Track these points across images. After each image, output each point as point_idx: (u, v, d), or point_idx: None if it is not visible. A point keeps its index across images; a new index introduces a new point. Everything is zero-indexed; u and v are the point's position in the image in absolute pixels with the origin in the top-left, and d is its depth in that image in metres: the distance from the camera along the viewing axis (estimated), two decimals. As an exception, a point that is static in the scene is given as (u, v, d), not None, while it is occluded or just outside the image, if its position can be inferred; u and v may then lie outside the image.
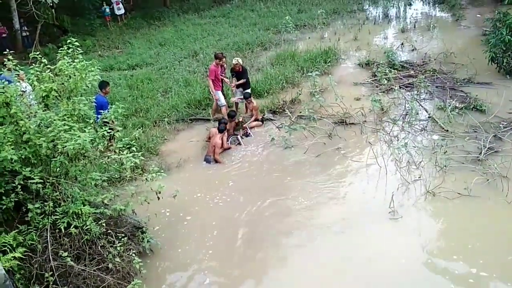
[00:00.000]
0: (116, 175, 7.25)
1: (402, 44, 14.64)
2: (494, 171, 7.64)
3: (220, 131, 9.20)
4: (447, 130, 9.16)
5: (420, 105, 10.45)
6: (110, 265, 5.61)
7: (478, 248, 6.31)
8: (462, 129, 9.23)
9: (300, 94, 11.26)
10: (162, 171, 6.66)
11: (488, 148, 8.32)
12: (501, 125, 9.01)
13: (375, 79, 11.91)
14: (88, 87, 6.46)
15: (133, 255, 5.80)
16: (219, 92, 10.37)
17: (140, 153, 6.29)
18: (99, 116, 6.59)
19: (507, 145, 8.40)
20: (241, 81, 10.51)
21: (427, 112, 10.16)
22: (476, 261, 6.09)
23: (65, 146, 5.30)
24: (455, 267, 6.06)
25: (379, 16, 18.82)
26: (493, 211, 7.01)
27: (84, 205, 5.61)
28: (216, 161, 9.02)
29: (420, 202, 7.30)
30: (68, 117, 5.82)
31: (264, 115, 10.50)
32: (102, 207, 5.91)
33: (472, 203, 7.11)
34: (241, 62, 10.60)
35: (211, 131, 9.44)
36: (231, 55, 13.66)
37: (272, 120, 10.51)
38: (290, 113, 10.26)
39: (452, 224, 6.93)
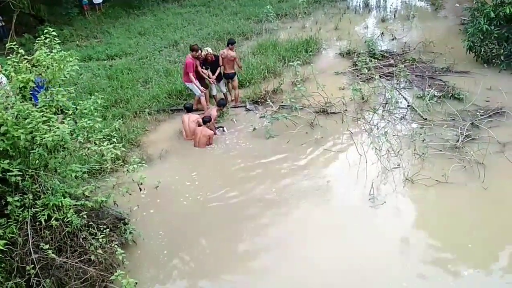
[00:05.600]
0: (96, 166, 7.18)
1: (382, 33, 14.77)
2: (471, 158, 7.83)
3: (205, 122, 9.24)
4: (426, 119, 9.33)
5: (400, 94, 10.60)
6: (93, 257, 5.58)
7: (456, 233, 6.49)
8: (440, 117, 9.40)
9: (282, 83, 11.28)
10: (143, 162, 6.63)
11: (465, 135, 8.51)
12: (478, 113, 9.20)
13: (356, 69, 12.01)
14: (67, 77, 6.35)
15: (116, 246, 5.78)
16: (194, 86, 10.23)
17: (121, 144, 6.24)
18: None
19: (484, 132, 8.59)
20: (218, 72, 10.46)
21: (406, 100, 10.32)
22: (454, 245, 6.28)
23: (44, 138, 5.22)
24: (434, 251, 6.23)
25: (359, 6, 18.89)
26: (469, 197, 7.20)
27: (64, 197, 5.56)
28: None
29: (399, 189, 7.44)
30: (46, 109, 5.73)
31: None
32: (83, 199, 5.85)
33: (450, 189, 7.28)
34: (211, 52, 10.52)
35: (183, 118, 9.49)
36: (212, 45, 13.59)
37: (250, 110, 10.54)
38: (272, 102, 10.29)
39: (430, 210, 7.10)
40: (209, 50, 10.49)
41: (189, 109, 9.63)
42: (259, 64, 12.30)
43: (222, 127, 9.79)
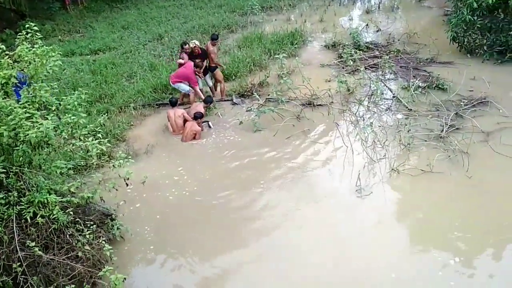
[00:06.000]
0: (82, 162, 7.10)
1: (367, 25, 14.81)
2: (455, 147, 7.94)
3: (196, 118, 9.23)
4: (411, 109, 9.42)
5: (385, 85, 10.67)
6: (80, 254, 5.54)
7: (442, 222, 6.58)
8: (425, 107, 9.50)
9: (268, 76, 11.27)
10: (129, 157, 6.56)
11: (449, 125, 8.62)
12: (462, 103, 9.31)
13: (341, 61, 12.05)
14: (49, 73, 6.26)
15: (103, 242, 5.74)
16: (181, 84, 10.10)
17: (106, 139, 6.17)
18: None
19: (468, 122, 8.71)
20: (204, 65, 10.39)
21: (391, 92, 10.39)
22: (440, 234, 6.38)
23: (27, 135, 5.14)
24: (420, 240, 6.32)
25: (344, -3, 18.91)
26: (454, 186, 7.30)
27: (50, 194, 5.49)
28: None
29: (385, 179, 7.51)
30: (29, 105, 5.63)
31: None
32: (68, 196, 5.80)
33: (435, 179, 7.37)
34: (199, 44, 10.44)
35: (169, 113, 9.45)
36: (197, 38, 13.47)
37: (236, 104, 10.51)
38: (259, 96, 10.28)
39: (416, 200, 7.18)
40: (196, 42, 10.42)
41: (174, 104, 9.57)
42: (244, 57, 12.26)
43: (208, 122, 9.74)
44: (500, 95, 9.55)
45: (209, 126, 9.66)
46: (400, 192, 7.37)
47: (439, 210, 6.81)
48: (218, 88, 10.89)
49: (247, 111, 10.10)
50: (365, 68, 11.15)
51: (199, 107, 9.59)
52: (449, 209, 6.83)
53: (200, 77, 10.39)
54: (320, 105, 10.01)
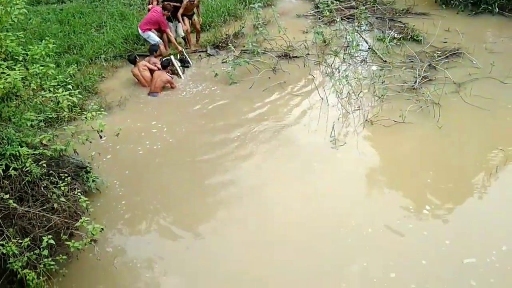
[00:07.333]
0: (53, 115, 6.93)
1: (343, -26, 14.47)
2: (427, 98, 8.07)
3: (164, 67, 9.08)
4: (386, 61, 9.45)
5: (361, 36, 10.62)
6: (55, 205, 5.52)
7: (413, 171, 6.80)
8: (400, 59, 9.55)
9: (243, 27, 11.04)
10: (102, 109, 6.44)
11: (422, 77, 8.72)
12: (435, 55, 9.39)
13: (318, 11, 11.87)
14: (14, 21, 5.96)
15: (79, 194, 5.73)
16: (150, 33, 9.83)
17: (77, 91, 6.02)
18: None
19: (440, 73, 8.82)
20: (181, 11, 10.06)
21: (367, 43, 10.37)
22: (413, 183, 6.60)
23: (-6, 86, 4.97)
24: (394, 191, 6.51)
25: None
26: (425, 136, 7.49)
27: (21, 147, 5.39)
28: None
29: (359, 130, 7.64)
30: (-6, 55, 5.41)
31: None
32: (41, 148, 5.70)
33: (407, 129, 7.53)
34: None
35: (134, 72, 9.23)
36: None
37: (211, 55, 10.31)
38: (234, 47, 10.10)
39: (389, 150, 7.36)
40: None
41: (133, 61, 9.30)
42: (219, 6, 11.90)
43: (178, 75, 9.56)
44: (473, 46, 9.65)
45: (180, 76, 9.46)
46: (373, 142, 7.52)
47: (410, 160, 7.02)
48: (193, 39, 10.62)
49: (222, 62, 9.94)
50: (341, 19, 11.02)
51: (154, 59, 9.40)
52: (420, 158, 7.03)
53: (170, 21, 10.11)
54: (296, 57, 9.93)
